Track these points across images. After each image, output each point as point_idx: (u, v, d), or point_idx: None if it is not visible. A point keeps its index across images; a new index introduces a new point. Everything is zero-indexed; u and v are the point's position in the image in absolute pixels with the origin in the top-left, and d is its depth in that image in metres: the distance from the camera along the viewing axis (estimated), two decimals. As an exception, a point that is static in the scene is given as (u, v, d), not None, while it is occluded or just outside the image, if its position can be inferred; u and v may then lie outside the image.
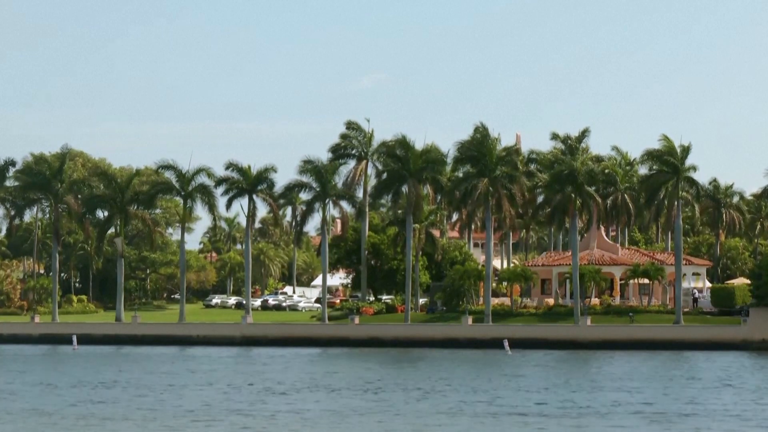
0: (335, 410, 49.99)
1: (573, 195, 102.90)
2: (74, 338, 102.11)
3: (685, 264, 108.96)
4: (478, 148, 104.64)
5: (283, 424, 45.69)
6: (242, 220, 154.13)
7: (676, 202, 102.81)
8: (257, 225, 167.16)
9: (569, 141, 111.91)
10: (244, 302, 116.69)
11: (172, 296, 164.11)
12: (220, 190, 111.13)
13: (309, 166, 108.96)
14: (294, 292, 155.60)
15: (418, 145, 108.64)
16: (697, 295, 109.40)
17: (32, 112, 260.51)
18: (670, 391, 58.45)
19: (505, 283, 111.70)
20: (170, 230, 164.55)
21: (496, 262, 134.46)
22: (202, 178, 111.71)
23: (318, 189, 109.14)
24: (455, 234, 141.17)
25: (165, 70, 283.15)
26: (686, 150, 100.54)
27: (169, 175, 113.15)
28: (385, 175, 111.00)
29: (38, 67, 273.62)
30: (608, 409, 50.11)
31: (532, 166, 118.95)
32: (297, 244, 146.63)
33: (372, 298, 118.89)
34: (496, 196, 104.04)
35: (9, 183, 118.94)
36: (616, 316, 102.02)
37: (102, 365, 78.48)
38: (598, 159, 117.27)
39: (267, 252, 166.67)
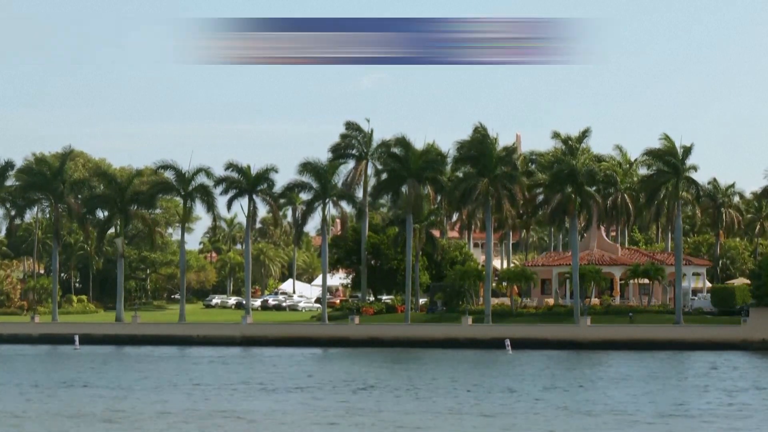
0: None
1: (573, 195, 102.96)
2: (76, 338, 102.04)
3: (685, 264, 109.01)
4: (478, 148, 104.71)
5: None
6: (242, 220, 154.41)
7: (676, 202, 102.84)
8: (257, 225, 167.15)
9: (570, 141, 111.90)
10: (244, 302, 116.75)
11: (172, 296, 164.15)
12: (219, 190, 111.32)
13: (309, 167, 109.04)
14: (294, 291, 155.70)
15: (418, 145, 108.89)
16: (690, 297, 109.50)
17: (32, 112, 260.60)
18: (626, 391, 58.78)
19: (505, 283, 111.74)
20: (170, 230, 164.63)
21: (496, 262, 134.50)
22: (202, 178, 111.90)
23: (318, 189, 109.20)
24: (455, 234, 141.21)
25: (165, 70, 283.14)
26: (687, 150, 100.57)
27: (169, 175, 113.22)
28: (385, 175, 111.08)
29: (39, 67, 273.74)
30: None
31: (533, 166, 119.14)
32: (297, 244, 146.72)
33: (372, 298, 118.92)
34: (496, 196, 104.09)
35: (9, 183, 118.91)
36: (616, 316, 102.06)
37: (84, 365, 78.47)
38: (599, 159, 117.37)
39: (267, 252, 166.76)
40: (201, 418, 47.61)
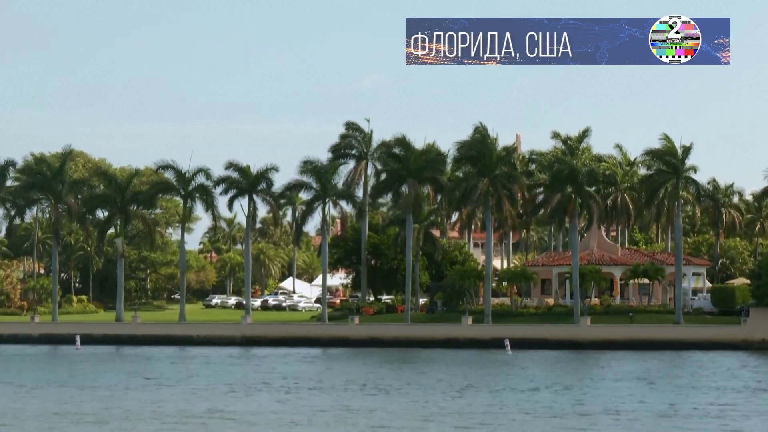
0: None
1: (573, 195, 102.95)
2: (77, 338, 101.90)
3: (685, 264, 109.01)
4: (478, 148, 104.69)
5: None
6: (242, 220, 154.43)
7: (676, 202, 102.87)
8: (257, 225, 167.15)
9: (569, 141, 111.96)
10: (244, 302, 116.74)
11: (172, 296, 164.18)
12: (219, 190, 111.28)
13: (309, 166, 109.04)
14: (294, 289, 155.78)
15: (418, 145, 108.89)
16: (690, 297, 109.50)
17: (32, 112, 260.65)
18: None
19: (505, 283, 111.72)
20: (170, 230, 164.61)
21: (496, 262, 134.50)
22: (202, 178, 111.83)
23: (318, 189, 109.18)
24: (455, 234, 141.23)
25: (165, 70, 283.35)
26: (687, 150, 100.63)
27: (168, 175, 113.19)
28: (384, 175, 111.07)
29: (39, 67, 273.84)
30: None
31: (533, 166, 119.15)
32: (297, 244, 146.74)
33: (372, 298, 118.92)
34: (496, 196, 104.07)
35: (9, 183, 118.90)
36: (616, 316, 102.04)
37: (88, 365, 78.54)
38: (599, 159, 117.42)
39: (267, 252, 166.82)
40: (195, 418, 47.60)
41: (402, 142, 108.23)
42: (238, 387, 60.99)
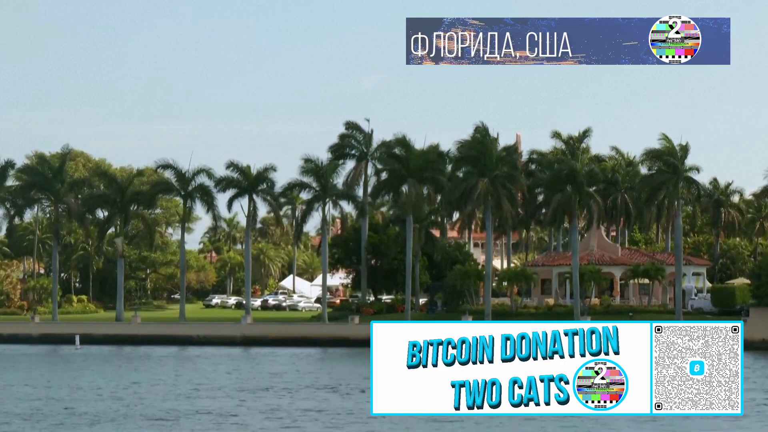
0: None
1: (573, 195, 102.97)
2: (77, 338, 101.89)
3: (685, 264, 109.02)
4: (478, 147, 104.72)
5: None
6: (242, 220, 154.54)
7: (676, 202, 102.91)
8: (257, 225, 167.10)
9: (571, 141, 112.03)
10: (244, 302, 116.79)
11: (172, 296, 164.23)
12: (219, 189, 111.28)
13: (309, 166, 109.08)
14: (294, 288, 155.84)
15: (418, 145, 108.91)
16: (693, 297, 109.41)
17: (33, 112, 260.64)
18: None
19: (505, 283, 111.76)
20: (170, 230, 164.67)
21: (496, 262, 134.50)
22: (202, 178, 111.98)
23: (318, 189, 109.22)
24: (455, 234, 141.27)
25: (165, 70, 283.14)
26: (685, 150, 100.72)
27: (168, 175, 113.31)
28: (384, 175, 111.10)
29: (39, 67, 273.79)
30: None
31: (533, 166, 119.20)
32: (297, 244, 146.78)
33: (372, 298, 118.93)
34: (495, 196, 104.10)
35: (9, 183, 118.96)
36: (616, 315, 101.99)
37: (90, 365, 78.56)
38: (599, 159, 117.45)
39: (267, 252, 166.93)
40: (185, 418, 47.49)
41: (402, 142, 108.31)
42: (227, 387, 60.86)
